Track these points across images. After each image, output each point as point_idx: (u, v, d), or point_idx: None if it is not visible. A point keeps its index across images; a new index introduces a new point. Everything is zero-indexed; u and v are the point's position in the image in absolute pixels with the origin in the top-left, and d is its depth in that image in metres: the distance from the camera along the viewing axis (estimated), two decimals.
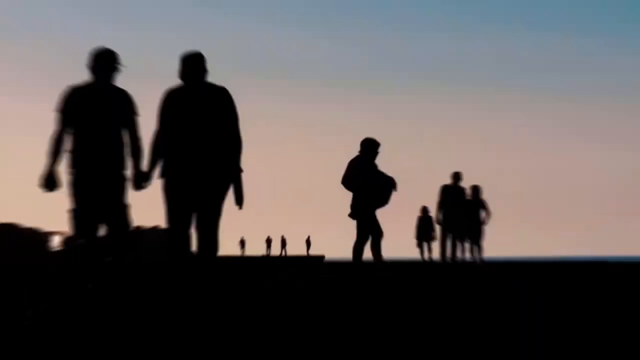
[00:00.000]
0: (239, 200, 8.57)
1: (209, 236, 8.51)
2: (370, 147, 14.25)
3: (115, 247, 8.54)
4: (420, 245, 28.41)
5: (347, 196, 14.35)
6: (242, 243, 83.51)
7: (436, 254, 28.48)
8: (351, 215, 14.19)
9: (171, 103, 8.54)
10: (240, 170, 8.57)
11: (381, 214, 18.34)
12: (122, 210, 8.59)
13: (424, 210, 28.58)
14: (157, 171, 8.61)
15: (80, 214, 8.52)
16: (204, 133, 8.46)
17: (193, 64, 8.56)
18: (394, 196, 14.52)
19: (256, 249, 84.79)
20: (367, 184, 14.09)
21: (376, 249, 14.21)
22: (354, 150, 15.02)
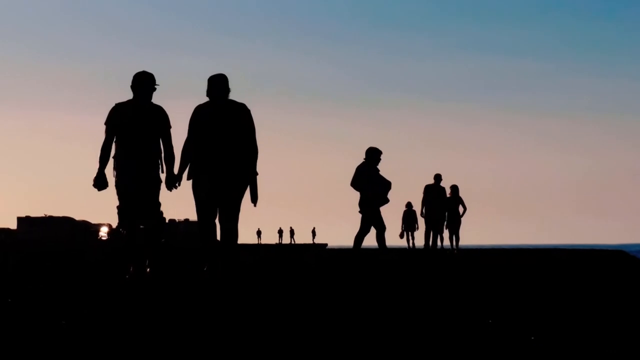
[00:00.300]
0: (254, 199, 8.59)
1: (231, 227, 8.57)
2: (373, 154, 14.14)
3: (151, 236, 8.56)
4: (405, 235, 28.31)
5: (350, 195, 14.34)
6: (259, 233, 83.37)
7: (418, 242, 28.34)
8: (360, 212, 14.13)
9: (199, 117, 8.52)
10: (255, 174, 8.60)
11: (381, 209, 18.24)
12: (156, 207, 8.60)
13: (409, 205, 28.59)
14: (186, 173, 8.62)
15: (124, 210, 8.53)
16: (226, 142, 8.44)
17: (218, 84, 8.53)
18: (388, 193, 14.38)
19: (270, 238, 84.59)
20: (371, 185, 14.07)
21: (380, 240, 14.17)
22: (353, 156, 14.97)
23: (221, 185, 8.45)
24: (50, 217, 78.89)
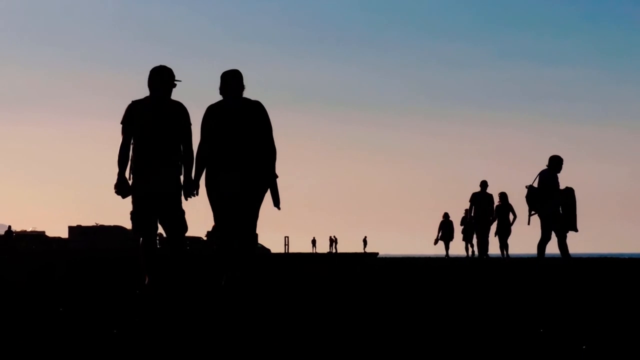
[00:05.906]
0: (276, 202, 8.27)
1: (247, 234, 8.21)
2: (556, 162, 14.72)
3: (174, 246, 8.16)
4: (445, 244, 29.58)
5: (401, 204, 14.22)
6: (314, 242, 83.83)
7: (452, 251, 29.70)
8: (540, 215, 14.65)
9: (213, 119, 8.18)
10: (275, 176, 8.28)
11: (420, 218, 17.85)
12: (179, 214, 8.13)
13: (446, 215, 29.70)
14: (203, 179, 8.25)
15: (138, 216, 8.07)
16: (243, 145, 8.11)
17: (232, 81, 8.20)
18: (424, 203, 14.92)
19: (322, 247, 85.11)
20: (555, 192, 14.58)
21: (562, 245, 14.70)
22: (402, 164, 15.09)
23: (238, 190, 8.12)
24: (102, 226, 79.73)
